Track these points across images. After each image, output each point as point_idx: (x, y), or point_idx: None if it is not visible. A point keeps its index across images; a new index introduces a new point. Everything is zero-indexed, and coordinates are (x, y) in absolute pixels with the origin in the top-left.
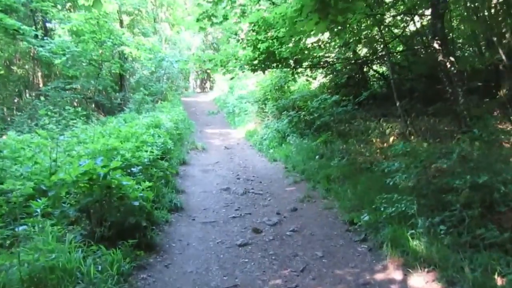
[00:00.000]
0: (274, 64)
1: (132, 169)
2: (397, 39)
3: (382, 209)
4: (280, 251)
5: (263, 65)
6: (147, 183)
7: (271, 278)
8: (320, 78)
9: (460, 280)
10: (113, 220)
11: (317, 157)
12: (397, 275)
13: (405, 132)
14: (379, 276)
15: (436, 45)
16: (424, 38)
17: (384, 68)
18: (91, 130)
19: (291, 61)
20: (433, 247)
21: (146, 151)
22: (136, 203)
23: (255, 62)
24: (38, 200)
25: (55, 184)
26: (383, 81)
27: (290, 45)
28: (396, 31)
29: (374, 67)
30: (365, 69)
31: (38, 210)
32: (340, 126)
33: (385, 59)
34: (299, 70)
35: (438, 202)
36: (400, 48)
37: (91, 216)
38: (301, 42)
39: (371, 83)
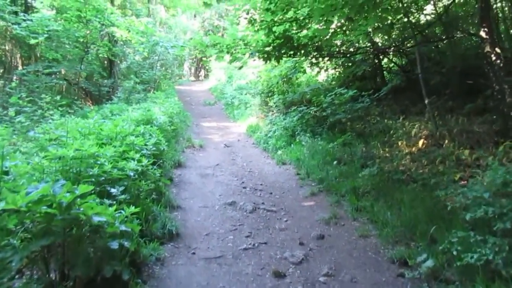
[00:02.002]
0: (291, 52)
1: (112, 190)
2: (431, 26)
3: (454, 252)
4: None
5: (277, 53)
6: (132, 209)
7: None
8: (329, 70)
9: None
10: (78, 274)
11: (335, 162)
12: None
13: (435, 134)
14: None
15: (482, 34)
16: (458, 25)
17: (402, 60)
18: (69, 123)
19: (311, 48)
20: None
21: (133, 159)
22: (115, 245)
23: (269, 48)
24: None
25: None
26: (402, 74)
27: (319, 26)
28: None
29: (388, 58)
30: (383, 61)
31: None
32: (356, 124)
33: (405, 50)
34: (319, 59)
35: None
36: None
37: (48, 265)
38: (332, 24)
39: (389, 76)
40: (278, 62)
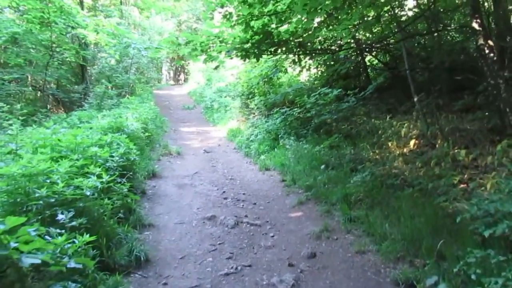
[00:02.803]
0: (272, 49)
1: (59, 216)
2: (417, 20)
3: (472, 275)
4: None
5: (256, 50)
6: (86, 237)
7: None
8: (311, 69)
9: None
10: None
11: (322, 166)
12: None
13: (426, 134)
14: None
15: (475, 25)
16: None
17: (386, 57)
18: (23, 134)
19: (292, 45)
20: None
21: (93, 174)
22: None
23: (247, 45)
24: None
25: None
26: (387, 71)
27: (303, 18)
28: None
29: (372, 55)
30: (366, 58)
31: None
32: (342, 125)
33: (390, 46)
34: (301, 57)
35: None
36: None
37: None
38: (316, 15)
39: (373, 74)
40: (258, 60)
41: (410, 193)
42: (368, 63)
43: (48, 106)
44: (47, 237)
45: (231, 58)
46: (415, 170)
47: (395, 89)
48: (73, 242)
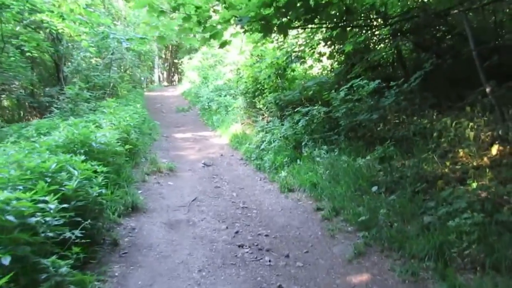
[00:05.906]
0: (307, 16)
1: None
2: None
3: None
4: None
5: (281, 18)
6: None
7: None
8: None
9: None
10: None
11: (374, 188)
12: None
13: (506, 136)
14: None
15: None
16: None
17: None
18: None
19: (337, 10)
20: None
21: None
22: None
23: (269, 12)
24: None
25: None
26: (431, 57)
27: None
28: None
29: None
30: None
31: None
32: (377, 127)
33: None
34: (343, 32)
35: None
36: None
37: None
38: None
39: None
40: (285, 35)
41: None
42: (405, 48)
43: (22, 113)
44: None
45: (245, 32)
46: None
47: (434, 79)
48: None
